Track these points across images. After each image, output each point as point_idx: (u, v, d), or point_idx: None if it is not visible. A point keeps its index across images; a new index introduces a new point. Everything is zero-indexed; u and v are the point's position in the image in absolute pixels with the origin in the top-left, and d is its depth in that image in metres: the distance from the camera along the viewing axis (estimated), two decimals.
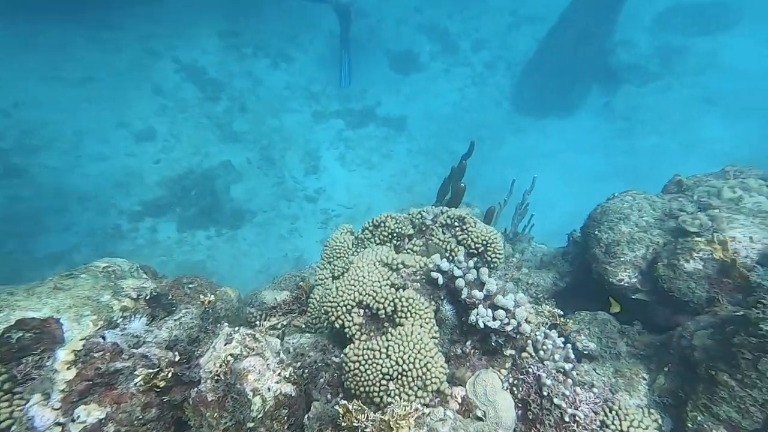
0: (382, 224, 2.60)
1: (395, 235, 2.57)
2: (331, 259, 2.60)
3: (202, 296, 2.16)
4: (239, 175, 11.15)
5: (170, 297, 2.10)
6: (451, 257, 2.44)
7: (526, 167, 12.86)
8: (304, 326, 2.41)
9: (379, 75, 14.59)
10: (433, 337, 1.86)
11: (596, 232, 2.87)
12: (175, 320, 1.95)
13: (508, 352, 1.93)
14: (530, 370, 1.94)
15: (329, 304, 1.94)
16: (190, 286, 2.21)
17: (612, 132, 13.71)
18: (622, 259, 2.66)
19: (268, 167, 11.66)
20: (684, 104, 14.03)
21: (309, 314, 2.39)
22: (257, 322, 2.57)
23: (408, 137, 13.17)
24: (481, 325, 1.79)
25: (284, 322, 2.59)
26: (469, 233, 2.51)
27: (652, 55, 15.13)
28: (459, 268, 2.04)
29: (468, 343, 1.92)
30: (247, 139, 12.13)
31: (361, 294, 1.93)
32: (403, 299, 1.91)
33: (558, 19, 13.61)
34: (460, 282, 1.94)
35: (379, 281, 1.98)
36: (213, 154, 11.48)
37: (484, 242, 2.48)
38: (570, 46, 13.33)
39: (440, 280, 2.03)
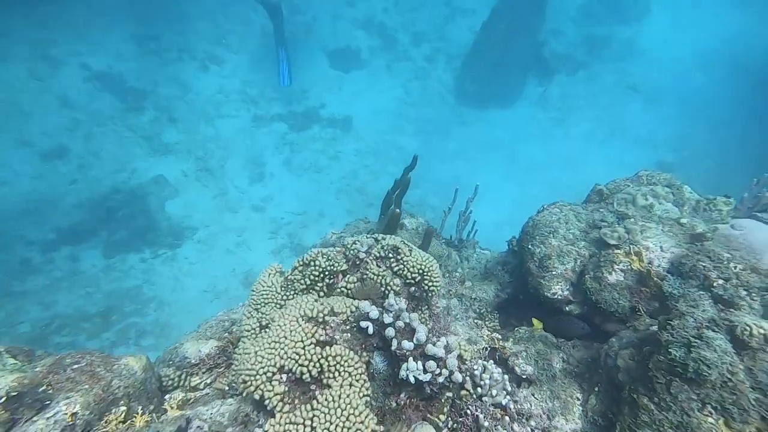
0: (313, 263, 2.43)
1: (327, 273, 2.42)
2: (259, 306, 2.39)
3: (86, 385, 1.82)
4: (175, 190, 10.35)
5: (45, 387, 1.76)
6: (386, 292, 2.34)
7: (472, 158, 13.19)
8: (227, 387, 2.19)
9: (319, 73, 14.16)
10: (365, 395, 1.74)
11: (529, 246, 2.90)
12: (47, 419, 1.64)
13: (445, 395, 1.86)
14: (469, 410, 1.89)
15: (246, 372, 1.75)
16: (75, 366, 1.88)
17: (548, 121, 14.43)
18: (554, 272, 2.71)
19: (207, 178, 10.94)
20: (610, 91, 15.07)
21: (233, 372, 2.18)
22: (176, 385, 2.31)
23: (355, 137, 12.95)
24: (412, 380, 1.69)
25: (208, 380, 2.36)
26: (405, 263, 2.41)
27: (579, 44, 16.03)
28: (389, 313, 1.94)
29: (402, 395, 1.82)
30: (179, 150, 11.27)
31: (282, 358, 1.76)
32: (330, 358, 1.77)
33: (490, 12, 13.94)
34: (390, 332, 1.83)
35: (302, 341, 1.82)
36: (142, 169, 10.55)
37: (420, 271, 2.40)
38: (503, 38, 13.73)
39: (370, 329, 1.91)
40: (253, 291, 2.41)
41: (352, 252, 2.49)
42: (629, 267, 2.46)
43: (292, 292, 2.39)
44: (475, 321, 3.02)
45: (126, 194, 9.77)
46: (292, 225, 10.38)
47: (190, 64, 13.02)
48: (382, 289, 2.36)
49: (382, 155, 12.71)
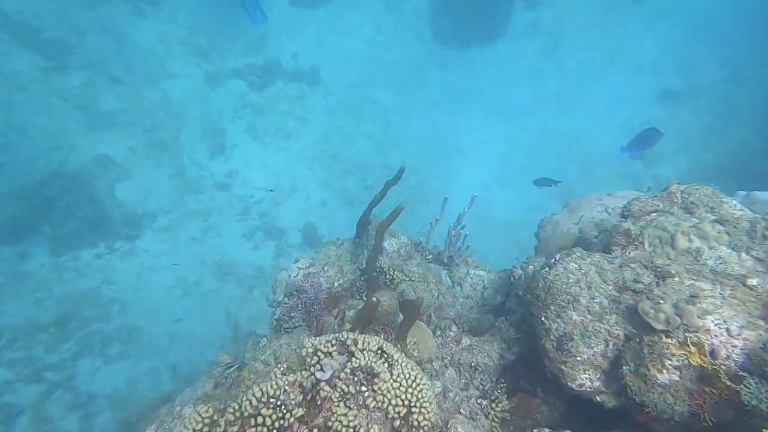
0: (254, 419, 1.71)
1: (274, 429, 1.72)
2: None
3: None
4: (124, 171, 9.10)
5: None
6: None
7: (454, 110, 12.02)
8: None
9: (278, 13, 12.11)
10: None
11: (543, 319, 2.25)
12: None
13: None
14: None
15: None
16: None
17: (538, 53, 13.00)
18: (578, 358, 2.10)
19: (159, 154, 9.63)
20: (609, 8, 13.33)
21: None
22: None
23: (324, 92, 11.49)
24: None
25: None
26: (385, 395, 1.74)
27: None
28: None
29: None
30: (123, 121, 9.74)
31: None
32: None
33: None
34: None
35: None
36: (81, 147, 9.13)
37: (408, 404, 1.74)
38: None
39: None
40: None
41: (307, 379, 1.79)
42: (686, 362, 1.86)
43: None
44: (479, 402, 2.47)
45: (66, 179, 8.50)
46: (263, 203, 9.46)
47: (121, 7, 10.79)
48: None
49: (356, 111, 11.43)
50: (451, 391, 2.45)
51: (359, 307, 2.78)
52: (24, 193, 8.12)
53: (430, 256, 4.14)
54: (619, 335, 2.10)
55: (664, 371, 1.88)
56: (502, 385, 2.57)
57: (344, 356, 1.95)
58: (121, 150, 9.31)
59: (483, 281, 3.62)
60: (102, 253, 8.00)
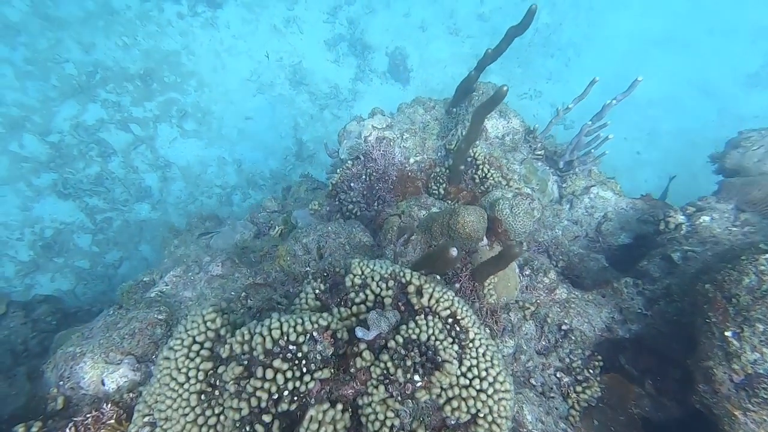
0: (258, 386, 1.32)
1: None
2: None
3: None
4: None
5: None
6: None
7: None
8: None
9: None
10: None
11: (728, 334, 1.53)
12: None
13: None
14: None
15: None
16: None
17: None
18: None
19: None
20: None
21: None
22: None
23: None
24: None
25: None
26: (446, 392, 1.30)
27: None
28: None
29: None
30: None
31: None
32: None
33: None
34: None
35: None
36: None
37: (474, 412, 1.31)
38: None
39: None
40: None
41: (345, 332, 1.34)
42: None
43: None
44: (557, 376, 2.01)
45: None
46: (355, 5, 7.80)
47: None
48: None
49: None
50: (524, 353, 2.00)
51: (433, 220, 2.12)
52: None
53: (541, 152, 3.16)
54: None
55: None
56: (597, 363, 2.06)
57: (399, 314, 1.44)
58: None
59: (607, 207, 2.74)
60: (184, 13, 7.38)
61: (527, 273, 2.29)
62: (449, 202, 2.83)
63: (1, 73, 5.73)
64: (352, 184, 2.94)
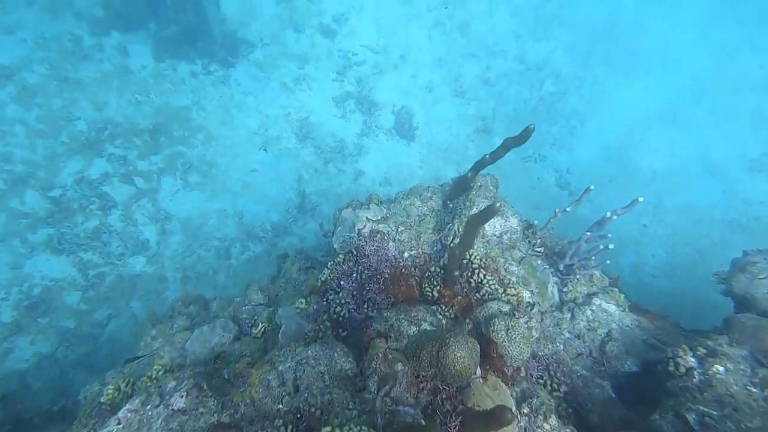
0: None
1: None
2: None
3: None
4: None
5: None
6: None
7: None
8: None
9: None
10: None
11: None
12: None
13: None
14: None
15: None
16: None
17: None
18: None
19: None
20: None
21: None
22: None
23: None
24: None
25: None
26: None
27: None
28: None
29: None
30: None
31: None
32: None
33: None
34: None
35: None
36: None
37: None
38: None
39: None
40: None
41: None
42: None
43: None
44: None
45: None
46: (364, 66, 8.05)
47: None
48: None
49: None
50: None
51: (422, 345, 1.95)
52: None
53: (540, 248, 3.01)
54: None
55: None
56: None
57: None
58: None
59: (611, 323, 2.55)
60: (198, 71, 7.66)
61: (525, 412, 2.08)
62: (443, 307, 2.67)
63: (12, 132, 5.89)
64: (342, 282, 2.80)
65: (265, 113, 7.72)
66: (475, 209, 2.99)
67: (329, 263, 2.92)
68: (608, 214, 2.51)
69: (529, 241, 3.05)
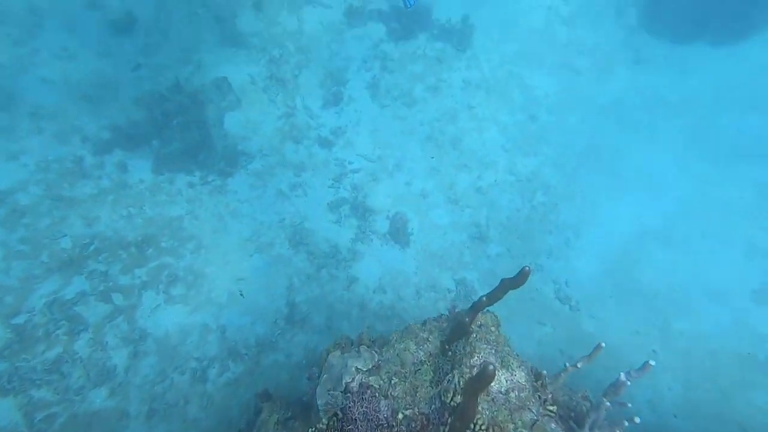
0: None
1: None
2: None
3: None
4: (237, 101, 8.65)
5: None
6: None
7: (634, 123, 8.95)
8: None
9: None
10: None
11: None
12: None
13: None
14: None
15: None
16: None
17: None
18: None
19: (276, 90, 8.93)
20: None
21: None
22: None
23: (469, 61, 9.39)
24: None
25: None
26: None
27: None
28: None
29: None
30: (253, 44, 9.13)
31: None
32: None
33: None
34: None
35: None
36: (207, 64, 8.83)
37: None
38: None
39: None
40: None
41: None
42: None
43: None
44: None
45: (186, 97, 8.32)
46: (359, 174, 8.32)
47: None
48: None
49: (498, 94, 9.21)
50: None
51: None
52: (147, 103, 8.16)
53: (553, 407, 2.50)
54: None
55: None
56: None
57: None
58: (241, 76, 8.82)
59: None
60: (195, 182, 7.83)
61: None
62: None
63: None
64: None
65: (260, 219, 7.69)
66: (476, 357, 2.60)
67: (309, 430, 2.40)
68: (622, 376, 2.18)
69: (539, 396, 2.60)
